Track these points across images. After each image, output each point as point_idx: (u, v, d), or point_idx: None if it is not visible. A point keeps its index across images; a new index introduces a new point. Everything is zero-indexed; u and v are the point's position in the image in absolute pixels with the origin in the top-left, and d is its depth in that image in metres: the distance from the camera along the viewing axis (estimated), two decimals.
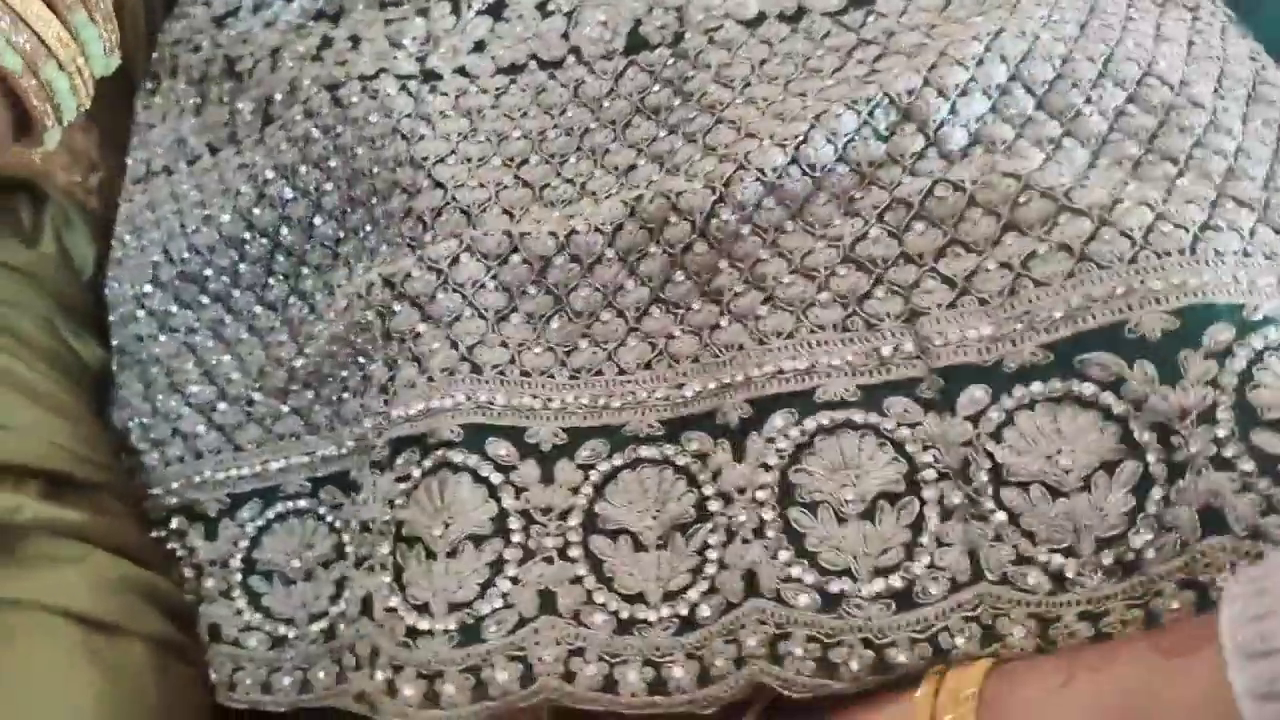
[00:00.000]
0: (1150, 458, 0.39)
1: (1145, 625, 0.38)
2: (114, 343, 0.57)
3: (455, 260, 0.46)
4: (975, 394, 0.41)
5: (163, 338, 0.56)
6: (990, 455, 0.40)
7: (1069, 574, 0.39)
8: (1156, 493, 0.38)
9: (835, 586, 0.40)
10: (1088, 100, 0.46)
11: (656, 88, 0.50)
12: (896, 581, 0.40)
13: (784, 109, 0.46)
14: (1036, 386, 0.40)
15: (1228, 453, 0.37)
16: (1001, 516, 0.40)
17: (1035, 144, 0.45)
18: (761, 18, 0.50)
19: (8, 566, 0.47)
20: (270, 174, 0.53)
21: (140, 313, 0.56)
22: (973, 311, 0.42)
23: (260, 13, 0.58)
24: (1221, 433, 0.38)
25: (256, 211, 0.54)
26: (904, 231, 0.43)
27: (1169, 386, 0.38)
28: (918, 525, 0.40)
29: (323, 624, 0.49)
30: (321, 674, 0.48)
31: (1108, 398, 0.39)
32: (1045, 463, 0.40)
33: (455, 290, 0.46)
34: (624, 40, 0.51)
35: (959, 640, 0.39)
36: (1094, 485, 0.39)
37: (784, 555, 0.41)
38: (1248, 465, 0.37)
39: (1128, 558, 0.38)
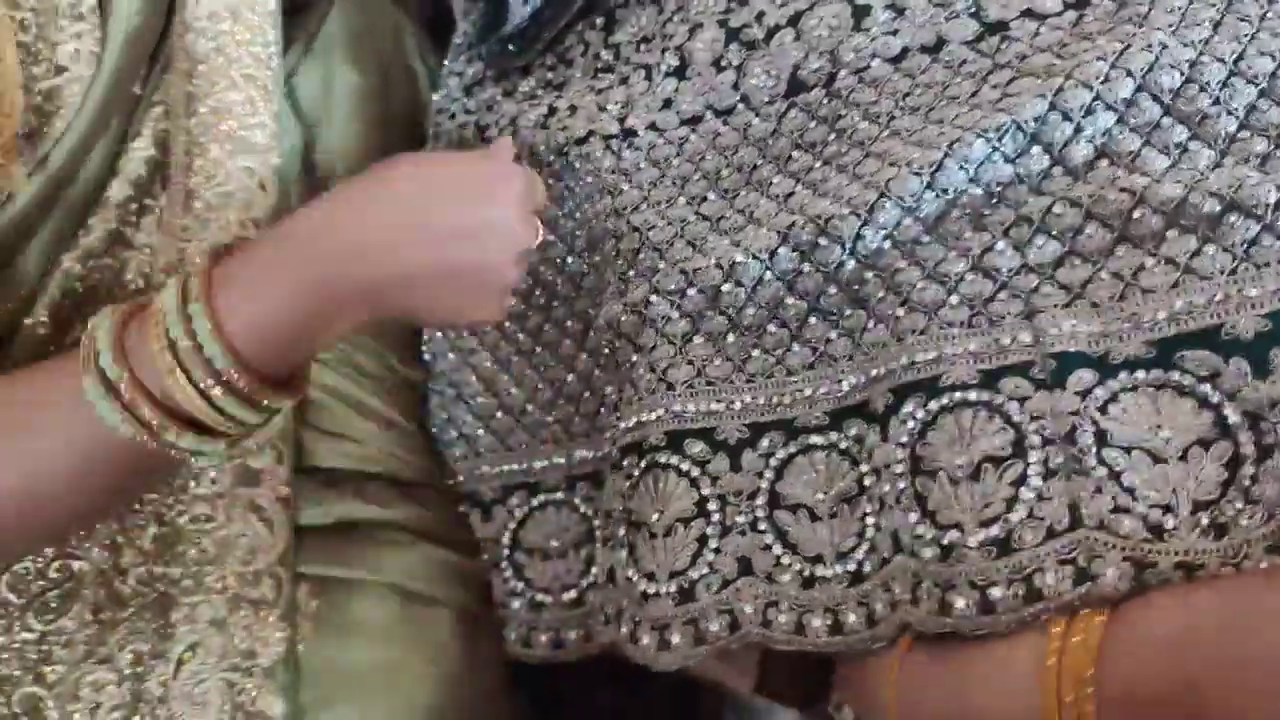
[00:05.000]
0: (1242, 438, 0.44)
1: None
2: None
3: (648, 302, 0.56)
4: (1084, 375, 0.46)
5: (451, 355, 0.69)
6: (1095, 422, 0.46)
7: (1168, 526, 0.44)
8: (1248, 469, 0.43)
9: (948, 539, 0.47)
10: (1215, 101, 0.49)
11: (813, 125, 0.57)
12: (996, 530, 0.46)
13: (923, 136, 0.53)
14: (1140, 374, 0.46)
15: None
16: (1103, 472, 0.45)
17: (1162, 150, 0.49)
18: (905, 53, 0.56)
19: (354, 551, 0.60)
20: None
21: (437, 334, 0.69)
22: (1085, 312, 0.47)
23: (501, 82, 0.70)
24: None
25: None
26: (1026, 245, 0.49)
27: (1260, 380, 0.44)
28: (1020, 482, 0.46)
29: (572, 594, 0.61)
30: (572, 634, 0.60)
31: (1204, 388, 0.44)
32: (1147, 432, 0.45)
33: (651, 325, 0.56)
34: (785, 85, 0.58)
35: (1050, 579, 0.44)
36: (1190, 457, 0.44)
37: (913, 517, 0.48)
38: None
39: (1221, 520, 0.43)
